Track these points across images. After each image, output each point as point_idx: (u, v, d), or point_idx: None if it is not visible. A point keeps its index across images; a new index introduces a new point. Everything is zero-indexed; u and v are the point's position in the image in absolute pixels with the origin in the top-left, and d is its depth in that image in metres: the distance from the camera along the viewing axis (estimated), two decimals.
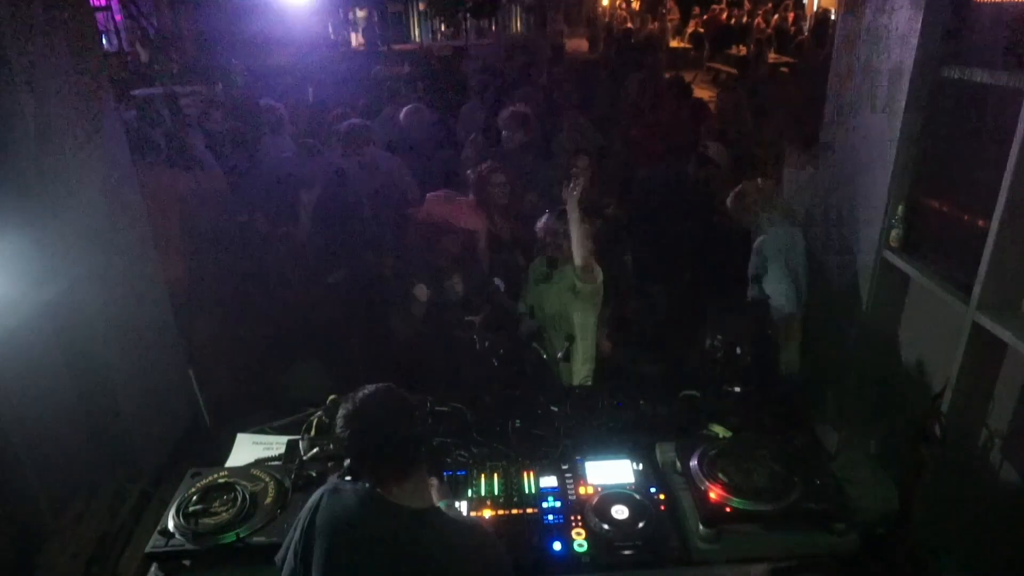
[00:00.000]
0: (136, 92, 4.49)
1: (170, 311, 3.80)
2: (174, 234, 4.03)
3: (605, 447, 2.45)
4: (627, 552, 2.05)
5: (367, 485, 1.77)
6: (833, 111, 3.69)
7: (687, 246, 4.32)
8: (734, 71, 10.58)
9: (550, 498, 2.25)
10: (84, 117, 3.20)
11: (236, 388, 3.77)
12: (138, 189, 3.65)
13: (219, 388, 3.79)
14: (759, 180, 3.86)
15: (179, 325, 3.83)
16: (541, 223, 3.48)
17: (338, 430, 1.76)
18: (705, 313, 3.22)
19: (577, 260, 3.20)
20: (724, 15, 15.96)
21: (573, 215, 3.19)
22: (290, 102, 6.27)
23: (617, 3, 18.66)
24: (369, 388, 1.81)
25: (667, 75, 7.71)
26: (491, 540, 1.87)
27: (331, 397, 2.61)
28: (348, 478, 1.93)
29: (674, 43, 15.19)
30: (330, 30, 13.20)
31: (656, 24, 16.13)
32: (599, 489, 2.25)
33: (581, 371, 3.43)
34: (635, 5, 18.45)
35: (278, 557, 1.85)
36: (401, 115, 5.36)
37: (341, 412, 1.77)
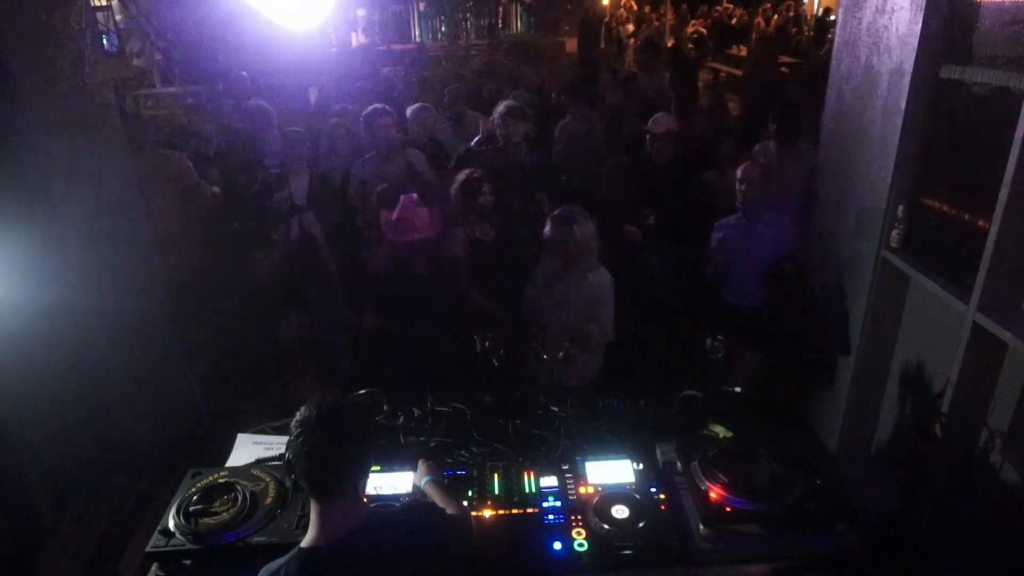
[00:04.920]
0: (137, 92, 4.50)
1: (170, 311, 3.79)
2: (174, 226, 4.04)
3: (605, 447, 2.45)
4: (627, 552, 2.05)
5: (297, 548, 1.67)
6: (833, 111, 3.69)
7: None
8: (735, 71, 10.56)
9: (550, 498, 2.25)
10: (83, 118, 3.20)
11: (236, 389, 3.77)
12: (138, 189, 3.65)
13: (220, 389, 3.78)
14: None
15: (179, 325, 3.81)
16: (548, 228, 3.47)
17: (290, 436, 1.65)
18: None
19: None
20: (730, 15, 15.95)
21: None
22: (292, 104, 6.30)
23: (619, 3, 18.62)
24: (334, 401, 1.71)
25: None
26: (434, 511, 1.93)
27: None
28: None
29: (671, 42, 15.17)
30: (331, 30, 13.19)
31: (657, 24, 16.12)
32: (599, 489, 2.25)
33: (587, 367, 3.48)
34: (633, 5, 18.40)
35: None
36: (408, 112, 5.34)
37: (299, 416, 1.66)
